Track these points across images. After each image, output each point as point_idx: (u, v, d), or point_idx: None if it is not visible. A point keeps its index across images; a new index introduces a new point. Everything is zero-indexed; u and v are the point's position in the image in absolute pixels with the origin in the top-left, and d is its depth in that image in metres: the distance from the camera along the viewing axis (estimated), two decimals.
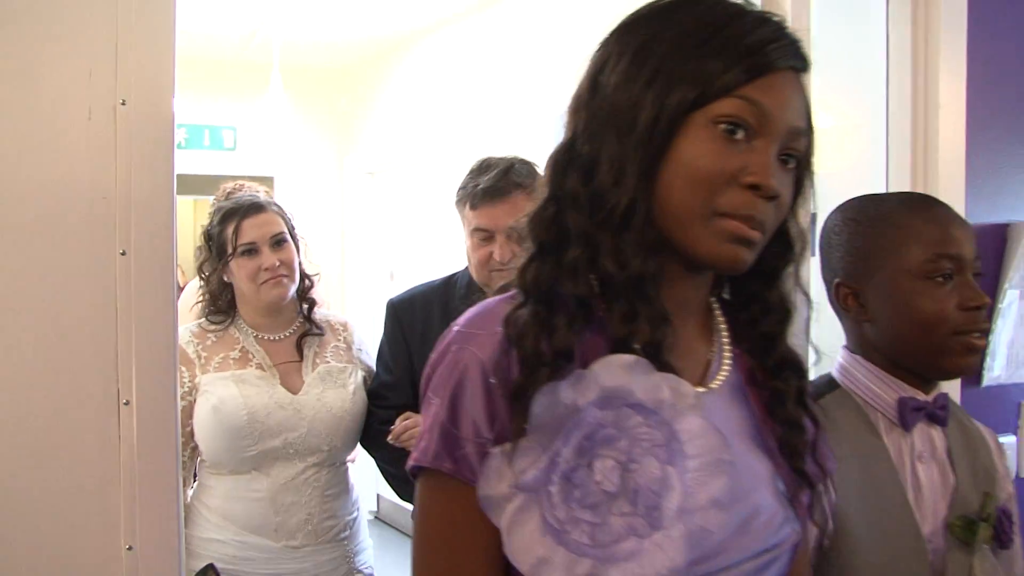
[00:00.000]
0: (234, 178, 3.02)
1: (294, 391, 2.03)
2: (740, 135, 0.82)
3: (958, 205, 1.79)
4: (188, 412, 1.98)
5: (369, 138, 5.83)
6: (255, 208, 2.08)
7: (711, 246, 0.83)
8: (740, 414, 0.93)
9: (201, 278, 2.14)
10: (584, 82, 0.91)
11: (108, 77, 1.18)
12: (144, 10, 1.20)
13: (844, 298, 1.29)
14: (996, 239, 1.89)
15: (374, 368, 2.18)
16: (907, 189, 1.75)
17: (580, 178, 0.87)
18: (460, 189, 2.07)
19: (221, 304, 2.10)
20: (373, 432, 2.06)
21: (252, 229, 2.05)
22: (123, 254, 1.20)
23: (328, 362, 2.11)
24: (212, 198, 2.91)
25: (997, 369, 1.90)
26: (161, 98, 1.21)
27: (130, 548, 1.22)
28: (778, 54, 0.83)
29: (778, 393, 0.94)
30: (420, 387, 0.92)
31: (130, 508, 1.21)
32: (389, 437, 1.93)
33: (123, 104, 1.19)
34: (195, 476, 2.10)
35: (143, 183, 1.20)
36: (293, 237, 2.11)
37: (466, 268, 2.11)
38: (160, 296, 1.23)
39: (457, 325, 0.91)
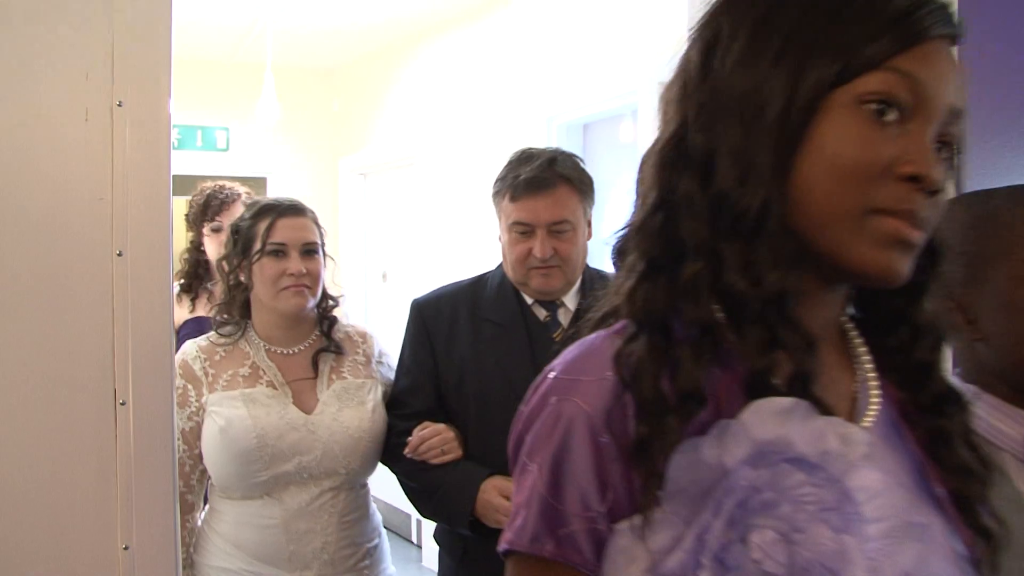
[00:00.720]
0: (227, 179, 3.01)
1: (308, 411, 1.89)
2: (892, 116, 0.68)
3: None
4: (196, 434, 1.86)
5: (362, 139, 5.84)
6: (294, 210, 1.95)
7: (866, 252, 0.68)
8: (900, 459, 0.77)
9: (220, 273, 2.04)
10: (691, 64, 0.75)
11: (105, 79, 1.19)
12: (141, 12, 1.20)
13: (951, 313, 1.08)
14: None
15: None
16: None
17: (695, 177, 0.72)
18: (499, 180, 1.97)
19: (234, 307, 1.96)
20: (391, 445, 1.94)
21: (286, 230, 1.91)
22: (120, 255, 1.21)
23: (345, 378, 1.96)
24: (188, 197, 2.91)
25: None
26: (158, 99, 1.22)
27: (126, 547, 1.23)
28: (932, 19, 0.69)
29: (943, 433, 0.78)
30: (511, 447, 0.78)
31: (126, 507, 1.22)
32: (406, 450, 1.83)
33: (120, 105, 1.20)
34: (205, 499, 1.97)
35: (140, 184, 1.20)
36: (323, 252, 1.98)
37: (498, 267, 2.01)
38: (157, 296, 1.24)
39: (553, 370, 0.76)
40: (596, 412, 0.69)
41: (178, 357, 1.82)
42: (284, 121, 5.49)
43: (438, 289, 2.05)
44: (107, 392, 1.22)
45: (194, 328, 2.57)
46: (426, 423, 1.85)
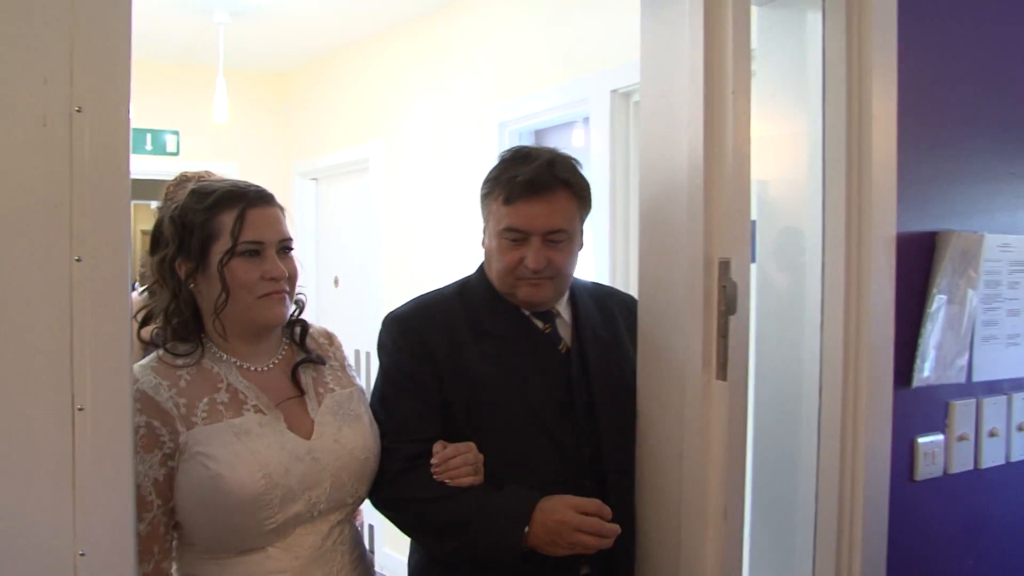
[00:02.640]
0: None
1: (305, 436, 1.59)
2: None
3: (889, 214, 1.87)
4: (168, 483, 1.49)
5: (315, 144, 5.81)
6: (263, 199, 1.63)
7: None
8: None
9: (159, 282, 1.62)
10: None
11: (63, 84, 1.19)
12: (100, 16, 1.20)
13: None
14: (925, 246, 1.97)
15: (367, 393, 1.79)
16: (842, 198, 1.82)
17: None
18: (490, 179, 1.78)
19: (188, 323, 1.61)
20: (396, 472, 1.67)
21: (260, 225, 1.59)
22: (78, 260, 1.20)
23: (332, 390, 1.69)
24: (159, 200, 2.66)
25: (927, 371, 1.98)
26: (117, 104, 1.22)
27: (83, 554, 1.22)
28: None
29: None
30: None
31: (84, 513, 1.22)
32: (435, 463, 1.61)
33: (79, 111, 1.20)
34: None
35: (99, 190, 1.20)
36: None
37: (479, 272, 1.86)
38: (115, 302, 1.23)
39: None
40: None
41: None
42: (236, 125, 5.45)
43: (417, 299, 1.87)
44: (65, 397, 1.21)
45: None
46: (443, 442, 1.66)
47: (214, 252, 1.57)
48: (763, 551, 2.01)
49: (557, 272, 1.76)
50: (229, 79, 5.02)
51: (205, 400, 1.53)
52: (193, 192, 1.62)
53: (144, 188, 5.46)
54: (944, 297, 1.99)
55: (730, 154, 1.58)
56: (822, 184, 1.86)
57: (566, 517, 1.58)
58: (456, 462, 1.63)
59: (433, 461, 1.63)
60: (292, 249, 1.65)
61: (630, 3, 1.81)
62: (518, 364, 1.76)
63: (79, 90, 1.19)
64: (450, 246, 4.21)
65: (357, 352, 5.04)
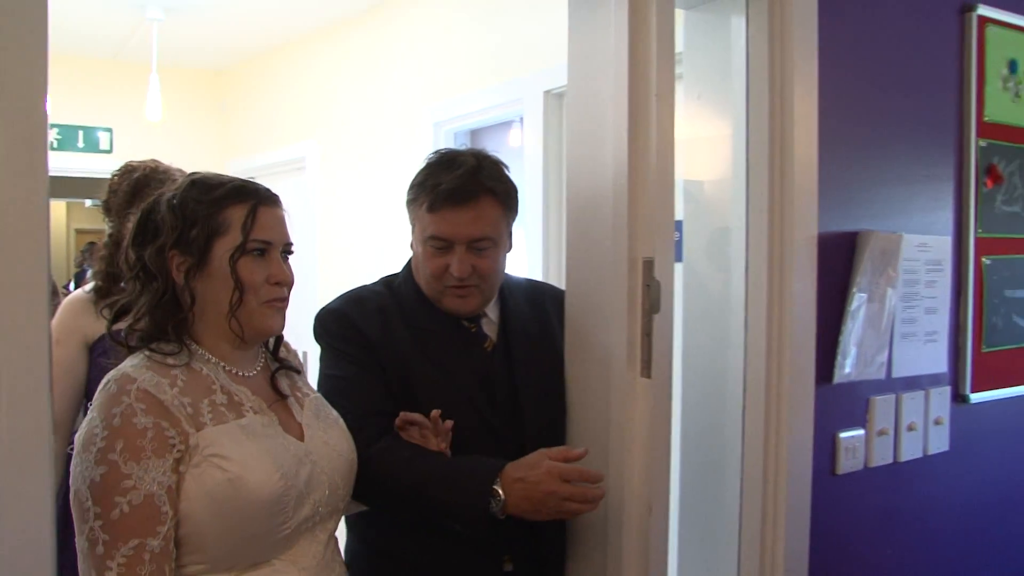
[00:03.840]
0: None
1: (299, 438, 1.52)
2: None
3: (811, 214, 1.92)
4: (176, 493, 1.36)
5: (251, 143, 5.75)
6: (273, 199, 1.54)
7: None
8: None
9: (142, 275, 1.49)
10: None
11: None
12: (13, 7, 1.18)
13: None
14: (846, 246, 2.03)
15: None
16: (765, 199, 1.86)
17: None
18: (416, 185, 1.76)
19: (172, 321, 1.48)
20: (379, 451, 1.65)
21: (271, 223, 1.50)
22: None
23: (307, 395, 1.63)
24: (96, 198, 2.51)
25: (848, 367, 2.04)
26: (33, 98, 1.20)
27: None
28: None
29: None
30: None
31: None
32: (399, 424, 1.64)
33: None
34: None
35: (14, 186, 1.18)
36: None
37: (406, 270, 1.87)
38: (33, 303, 1.21)
39: None
40: None
41: (127, 387, 1.36)
42: (170, 123, 5.37)
43: (346, 294, 1.87)
44: None
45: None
46: (404, 413, 1.68)
47: (218, 248, 1.47)
48: (690, 544, 2.05)
49: (482, 278, 1.77)
50: (163, 76, 4.95)
51: (206, 401, 1.42)
52: (196, 183, 1.51)
53: (77, 186, 5.37)
54: (864, 295, 2.05)
55: (654, 155, 1.61)
56: (745, 185, 1.90)
57: (552, 487, 1.55)
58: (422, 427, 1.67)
59: (397, 423, 1.67)
60: (292, 254, 1.57)
61: (563, 4, 1.83)
62: (448, 357, 1.79)
63: None
64: (385, 246, 4.20)
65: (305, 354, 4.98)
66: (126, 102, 5.39)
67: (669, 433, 1.69)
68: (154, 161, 2.42)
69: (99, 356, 1.82)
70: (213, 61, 5.85)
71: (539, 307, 1.97)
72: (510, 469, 1.59)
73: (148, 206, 1.53)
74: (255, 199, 1.50)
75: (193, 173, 1.58)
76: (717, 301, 2.00)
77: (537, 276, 3.33)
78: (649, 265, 1.62)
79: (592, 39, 1.73)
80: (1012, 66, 2.30)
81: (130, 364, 1.43)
